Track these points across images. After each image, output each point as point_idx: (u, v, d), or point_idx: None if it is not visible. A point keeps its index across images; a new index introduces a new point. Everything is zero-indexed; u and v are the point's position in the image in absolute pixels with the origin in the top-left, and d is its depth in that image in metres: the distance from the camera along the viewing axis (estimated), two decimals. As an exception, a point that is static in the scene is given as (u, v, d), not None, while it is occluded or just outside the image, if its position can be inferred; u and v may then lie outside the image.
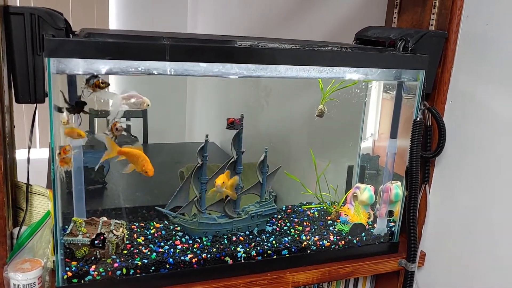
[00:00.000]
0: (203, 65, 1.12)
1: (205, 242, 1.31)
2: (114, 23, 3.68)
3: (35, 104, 1.12)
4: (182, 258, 1.24)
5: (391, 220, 1.49)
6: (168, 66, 1.09)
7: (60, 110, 1.09)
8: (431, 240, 1.49)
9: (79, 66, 1.01)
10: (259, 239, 1.37)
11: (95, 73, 1.07)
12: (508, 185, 1.24)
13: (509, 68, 1.23)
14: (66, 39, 0.99)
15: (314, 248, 1.38)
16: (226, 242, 1.33)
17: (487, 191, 1.30)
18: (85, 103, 1.08)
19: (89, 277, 1.14)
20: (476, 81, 1.32)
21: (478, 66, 1.32)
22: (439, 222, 1.47)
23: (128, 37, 1.07)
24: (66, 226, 1.20)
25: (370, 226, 1.50)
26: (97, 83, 1.08)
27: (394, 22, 1.56)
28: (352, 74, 1.29)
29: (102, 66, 1.03)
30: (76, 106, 1.08)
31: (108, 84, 1.10)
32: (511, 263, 1.24)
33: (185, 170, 1.80)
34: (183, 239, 1.32)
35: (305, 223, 1.49)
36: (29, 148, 1.17)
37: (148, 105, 1.16)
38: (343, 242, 1.42)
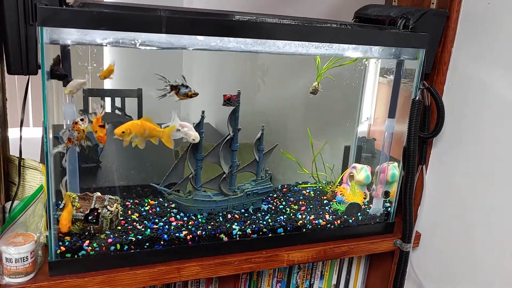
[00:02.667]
0: (200, 38, 1.10)
1: (200, 219, 1.31)
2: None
3: (28, 77, 1.09)
4: (177, 234, 1.23)
5: (387, 201, 1.49)
6: (165, 39, 1.06)
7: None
8: (426, 220, 1.49)
9: (73, 36, 0.99)
10: (255, 217, 1.36)
11: (185, 84, 1.13)
12: (505, 167, 1.24)
13: (510, 48, 1.21)
14: (60, 8, 0.96)
15: (310, 227, 1.37)
16: (221, 219, 1.32)
17: (484, 172, 1.30)
18: (66, 76, 1.05)
19: (83, 252, 1.13)
20: (477, 62, 1.31)
21: (479, 46, 1.30)
22: (435, 203, 1.46)
23: (124, 8, 1.05)
24: (60, 201, 1.18)
25: (366, 206, 1.50)
26: (189, 94, 1.13)
27: (395, 0, 1.53)
28: (351, 51, 1.28)
29: (96, 36, 1.00)
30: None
31: (197, 94, 1.15)
32: (506, 245, 1.24)
33: (179, 149, 1.79)
34: (178, 216, 1.31)
35: (300, 202, 1.48)
36: (22, 121, 1.15)
37: (193, 140, 1.22)
38: (338, 221, 1.41)
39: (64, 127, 1.16)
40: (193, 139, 1.22)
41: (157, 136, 1.20)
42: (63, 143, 1.08)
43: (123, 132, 1.14)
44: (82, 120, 1.07)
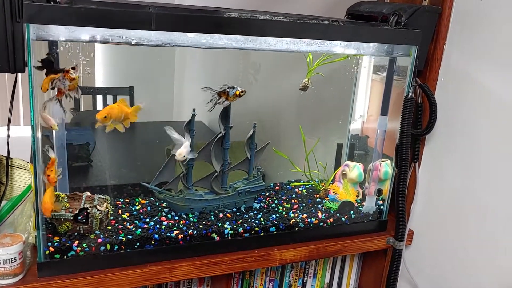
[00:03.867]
0: (190, 35, 1.08)
1: (191, 219, 1.29)
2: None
3: (15, 75, 1.07)
4: (168, 234, 1.21)
5: (380, 199, 1.48)
6: (154, 36, 1.05)
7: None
8: (419, 218, 1.49)
9: (61, 33, 0.97)
10: (247, 216, 1.35)
11: (230, 85, 1.20)
12: (497, 164, 1.23)
13: (502, 45, 1.21)
14: (46, 5, 0.94)
15: (302, 225, 1.36)
16: (213, 218, 1.31)
17: (477, 170, 1.29)
18: (52, 62, 1.03)
19: (72, 252, 1.11)
20: (469, 58, 1.30)
21: (471, 43, 1.29)
22: (428, 200, 1.46)
23: (112, 4, 1.03)
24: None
25: (359, 204, 1.49)
26: (237, 93, 1.19)
27: (387, -3, 1.53)
28: (343, 48, 1.27)
29: (84, 33, 0.98)
30: (42, 65, 1.02)
31: (245, 91, 1.22)
32: (499, 242, 1.24)
33: (171, 147, 1.77)
34: (169, 215, 1.30)
35: (293, 201, 1.47)
36: (9, 119, 1.13)
37: (183, 156, 1.24)
38: (331, 220, 1.40)
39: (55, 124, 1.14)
40: (183, 156, 1.23)
41: (127, 117, 1.17)
42: (54, 96, 1.05)
43: (105, 116, 1.12)
44: (73, 68, 1.03)
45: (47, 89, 1.03)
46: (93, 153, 2.11)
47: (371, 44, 1.29)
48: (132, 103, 3.48)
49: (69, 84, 1.04)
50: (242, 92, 1.21)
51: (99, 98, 3.22)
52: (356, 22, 1.33)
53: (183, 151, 1.23)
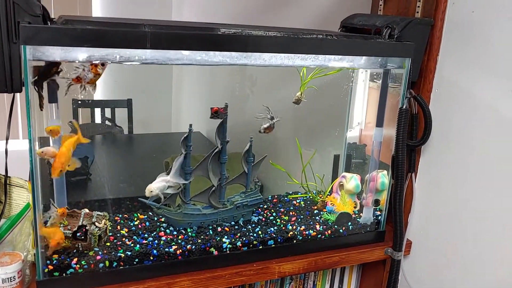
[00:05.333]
0: (185, 53, 1.09)
1: (190, 233, 1.30)
2: (98, 12, 3.61)
3: (13, 94, 1.08)
4: (167, 249, 1.22)
5: (377, 209, 1.49)
6: (150, 54, 1.06)
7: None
8: (417, 228, 1.49)
9: (57, 54, 0.98)
10: (245, 229, 1.35)
11: (273, 115, 1.36)
12: (493, 173, 1.24)
13: (495, 55, 1.22)
14: (42, 26, 0.96)
15: (300, 238, 1.37)
16: (211, 233, 1.31)
17: (473, 179, 1.30)
18: (52, 65, 1.03)
19: (71, 270, 1.11)
20: (462, 69, 1.31)
21: (464, 54, 1.31)
22: (425, 210, 1.46)
23: (108, 24, 1.04)
24: (47, 219, 1.17)
25: (356, 215, 1.50)
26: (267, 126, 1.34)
27: (380, 10, 1.54)
28: (337, 62, 1.28)
29: (80, 53, 1.00)
30: (40, 76, 1.02)
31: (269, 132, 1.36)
32: (496, 252, 1.24)
33: (170, 160, 1.78)
34: (167, 231, 1.30)
35: (291, 213, 1.48)
36: (7, 138, 1.14)
37: (150, 191, 1.24)
38: (329, 231, 1.41)
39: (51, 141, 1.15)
40: (151, 191, 1.23)
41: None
42: (70, 79, 1.03)
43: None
44: (102, 64, 1.02)
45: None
46: (92, 167, 2.12)
47: (365, 57, 1.31)
48: (130, 115, 3.50)
49: (92, 78, 1.04)
50: (266, 129, 1.35)
51: (97, 111, 3.24)
52: (350, 35, 1.34)
53: (151, 186, 1.22)
